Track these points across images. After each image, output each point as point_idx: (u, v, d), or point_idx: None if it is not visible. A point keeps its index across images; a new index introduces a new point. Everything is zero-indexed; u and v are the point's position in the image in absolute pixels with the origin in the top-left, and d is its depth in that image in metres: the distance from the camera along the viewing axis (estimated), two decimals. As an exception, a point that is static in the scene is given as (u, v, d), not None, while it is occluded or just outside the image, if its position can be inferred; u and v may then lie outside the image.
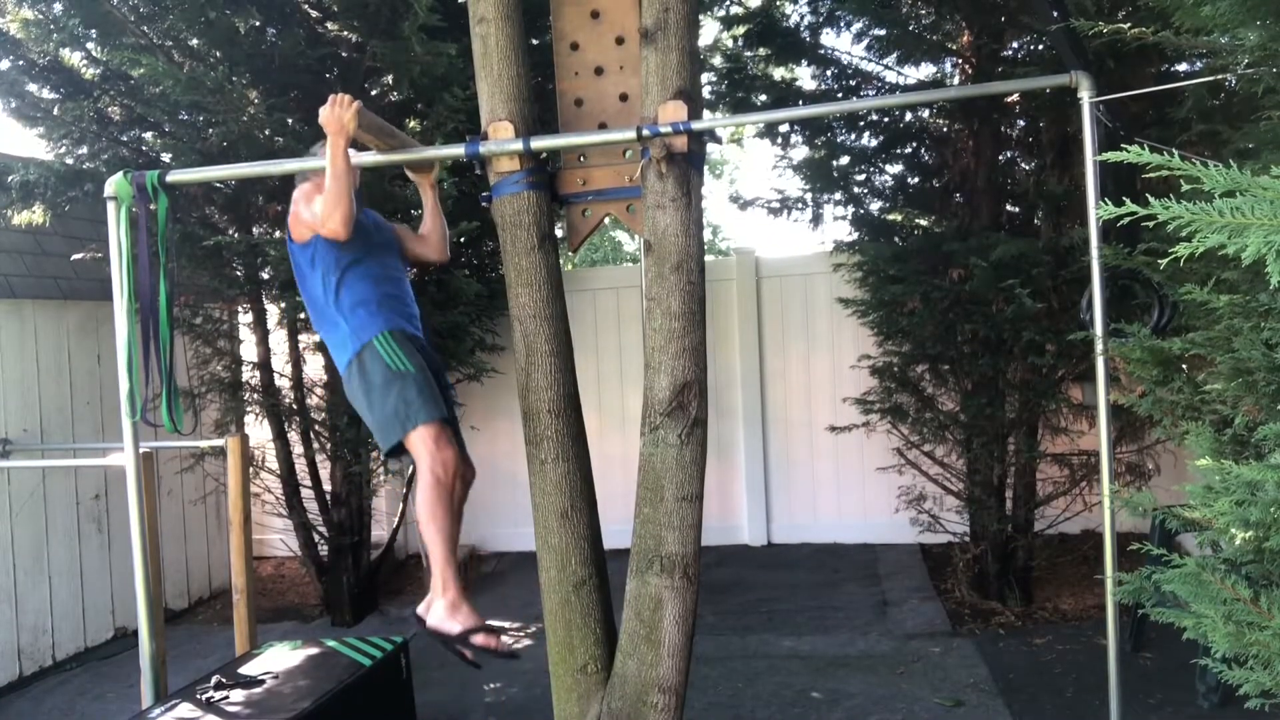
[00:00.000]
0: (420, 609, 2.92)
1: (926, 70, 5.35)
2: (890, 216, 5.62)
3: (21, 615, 4.93)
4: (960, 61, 5.13)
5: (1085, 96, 2.66)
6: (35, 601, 5.01)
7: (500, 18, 2.79)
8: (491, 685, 3.97)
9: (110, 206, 3.18)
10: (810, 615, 5.13)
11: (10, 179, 4.63)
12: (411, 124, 5.25)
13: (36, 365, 5.10)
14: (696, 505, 2.66)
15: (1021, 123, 5.14)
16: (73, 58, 4.99)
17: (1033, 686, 4.07)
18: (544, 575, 2.86)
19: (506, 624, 5.14)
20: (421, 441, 2.85)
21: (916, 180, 5.49)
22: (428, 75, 4.68)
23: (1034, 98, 4.60)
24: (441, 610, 2.85)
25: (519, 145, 2.76)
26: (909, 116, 5.28)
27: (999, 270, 4.49)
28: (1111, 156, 1.38)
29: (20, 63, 4.81)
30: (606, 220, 3.11)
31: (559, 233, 3.58)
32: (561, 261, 3.10)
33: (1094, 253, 2.66)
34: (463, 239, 5.53)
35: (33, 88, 4.91)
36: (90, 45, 4.91)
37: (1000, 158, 5.15)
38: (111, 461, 4.02)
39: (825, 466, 6.48)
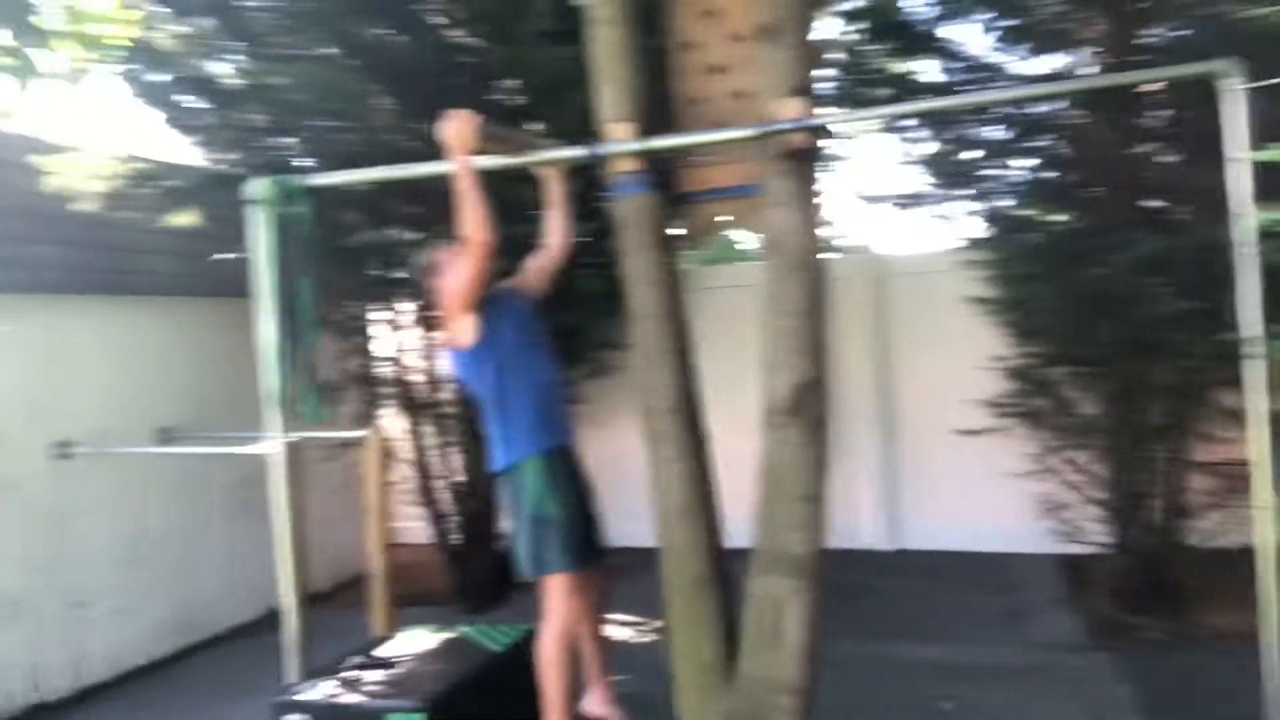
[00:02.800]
0: None
1: (1059, 60, 5.10)
2: (1023, 212, 5.39)
3: (183, 592, 5.30)
4: (1097, 51, 4.87)
5: (1232, 85, 2.48)
6: (195, 579, 5.38)
7: (617, 21, 2.82)
8: (616, 677, 4.02)
9: (258, 210, 3.39)
10: (940, 623, 4.98)
11: (169, 184, 4.97)
12: (534, 126, 5.36)
13: (196, 359, 5.47)
14: (819, 506, 2.63)
15: (1164, 113, 4.84)
16: (221, 69, 5.32)
17: (1179, 708, 3.84)
18: (665, 573, 2.88)
19: (628, 618, 5.19)
20: (552, 592, 3.01)
21: (1051, 175, 5.24)
22: (548, 78, 4.77)
23: (1177, 87, 4.31)
24: None
25: (637, 146, 2.79)
26: (1041, 109, 5.04)
27: (1141, 268, 4.25)
28: (1262, 156, 1.29)
29: (175, 76, 5.16)
30: (725, 219, 3.11)
31: (677, 232, 3.59)
32: (680, 260, 3.13)
33: (1246, 250, 2.48)
34: (584, 239, 5.60)
35: (186, 98, 5.25)
36: (237, 57, 5.22)
37: (1141, 150, 4.86)
38: (260, 450, 4.28)
39: (955, 471, 6.26)
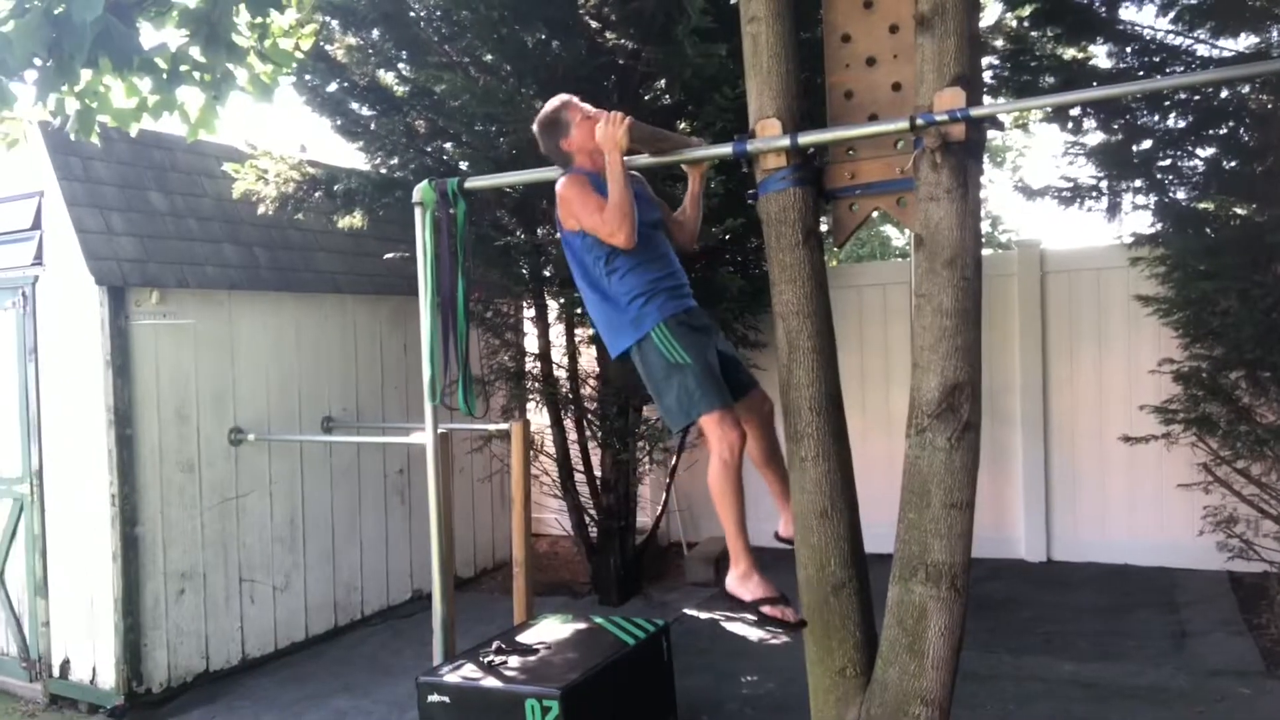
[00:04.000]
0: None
1: (1246, 41, 4.72)
2: (1200, 205, 5.02)
3: (338, 573, 5.61)
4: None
5: None
6: (349, 562, 5.69)
7: (771, 15, 2.79)
8: (749, 678, 4.02)
9: (417, 211, 3.55)
10: (1094, 640, 4.72)
11: (336, 188, 5.27)
12: (682, 125, 5.39)
13: (355, 352, 5.78)
14: (966, 513, 2.53)
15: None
16: (386, 78, 5.61)
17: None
18: (802, 574, 2.85)
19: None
20: (707, 429, 3.00)
21: (1233, 164, 4.86)
22: (698, 77, 4.79)
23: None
24: (734, 580, 2.99)
25: (786, 141, 2.76)
26: (1224, 94, 4.68)
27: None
28: None
29: (344, 84, 5.47)
30: (874, 215, 3.03)
31: (824, 228, 3.53)
32: (826, 257, 3.07)
33: None
34: (727, 236, 5.60)
35: (354, 106, 5.57)
36: (401, 65, 5.49)
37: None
38: (414, 440, 4.48)
39: (1116, 480, 5.92)
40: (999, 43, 5.46)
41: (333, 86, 5.46)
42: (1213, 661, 4.38)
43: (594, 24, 5.27)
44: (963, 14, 2.49)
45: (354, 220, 5.41)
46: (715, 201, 4.71)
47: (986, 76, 5.32)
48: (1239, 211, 4.92)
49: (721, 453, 2.97)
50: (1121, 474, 5.86)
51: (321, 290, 5.53)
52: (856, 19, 2.85)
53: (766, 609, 2.90)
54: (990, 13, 6.02)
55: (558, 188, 3.19)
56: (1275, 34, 4.63)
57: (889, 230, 15.84)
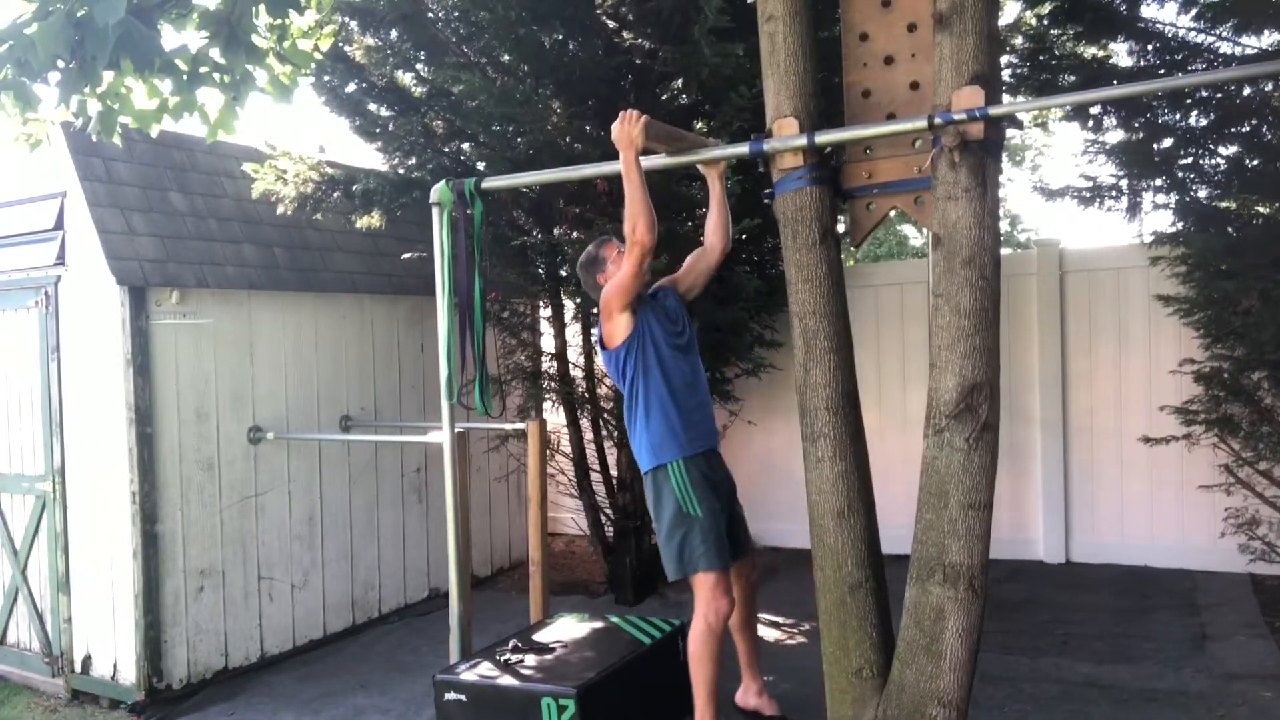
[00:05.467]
0: None
1: (1270, 38, 4.67)
2: (1222, 204, 4.98)
3: (356, 571, 5.64)
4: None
5: None
6: (367, 560, 5.71)
7: (789, 14, 2.79)
8: (766, 678, 4.00)
9: (434, 211, 3.56)
10: (1113, 642, 4.69)
11: (354, 188, 5.30)
12: (699, 125, 5.39)
13: (373, 352, 5.81)
14: (985, 514, 2.52)
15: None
16: (404, 78, 5.63)
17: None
18: (819, 575, 2.84)
19: (780, 619, 5.15)
20: (700, 590, 3.08)
21: (1256, 163, 4.82)
22: (715, 76, 4.79)
23: None
24: None
25: (803, 141, 2.76)
26: (1246, 91, 4.64)
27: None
28: None
29: (363, 85, 5.50)
30: (892, 214, 3.03)
31: (841, 228, 3.53)
32: (843, 257, 3.08)
33: None
34: (744, 235, 5.60)
35: (372, 107, 5.59)
36: (419, 66, 5.52)
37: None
38: (431, 439, 4.50)
39: (1136, 481, 5.87)
40: (1018, 41, 5.43)
41: (351, 87, 5.49)
42: (1233, 665, 4.34)
43: (611, 24, 5.27)
44: (982, 12, 2.48)
45: (372, 220, 5.44)
46: (732, 201, 4.70)
47: (1005, 75, 5.29)
48: (1261, 210, 4.87)
49: (709, 616, 3.07)
50: (1142, 475, 5.82)
51: (340, 290, 5.56)
52: (875, 17, 2.85)
53: None
54: (1009, 11, 5.99)
55: (600, 299, 3.34)
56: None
57: (906, 229, 15.79)
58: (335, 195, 5.36)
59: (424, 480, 6.09)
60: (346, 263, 5.71)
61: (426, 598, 6.10)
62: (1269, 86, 4.59)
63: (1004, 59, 5.26)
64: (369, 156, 5.82)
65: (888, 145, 2.83)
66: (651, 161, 3.20)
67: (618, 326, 3.25)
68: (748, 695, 3.63)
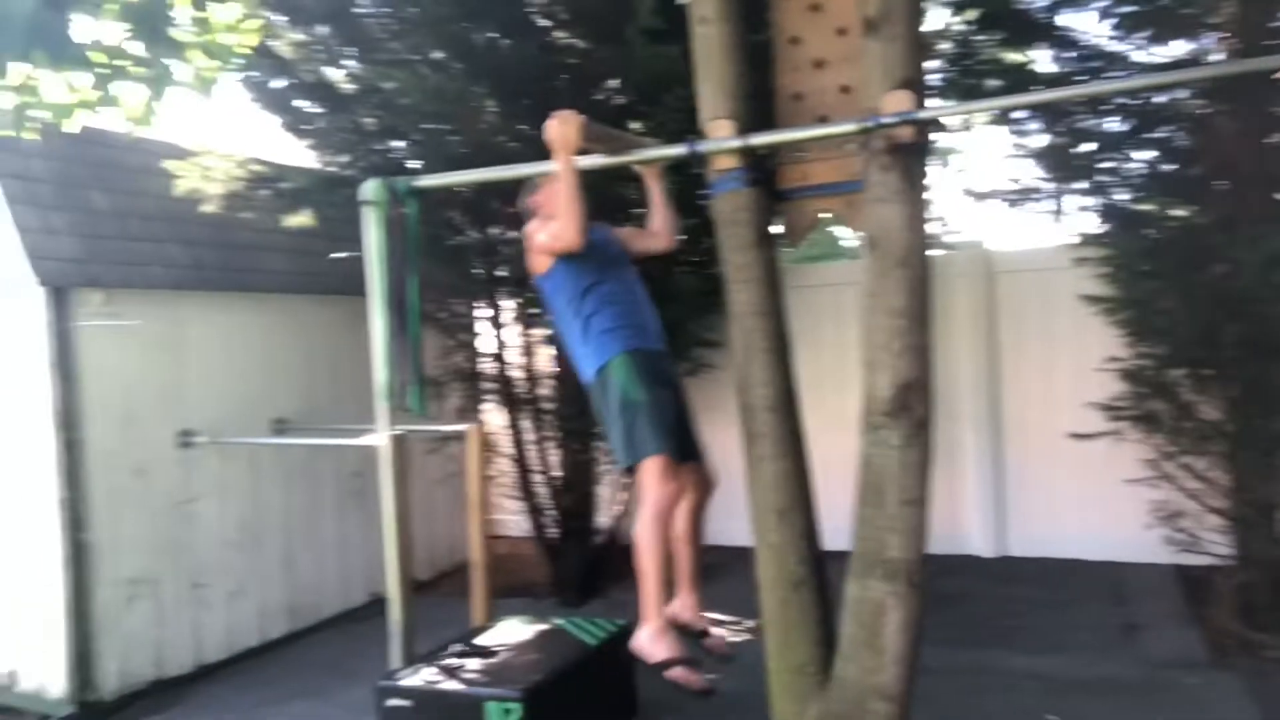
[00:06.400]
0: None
1: (1181, 48, 4.84)
2: (1141, 207, 5.14)
3: (294, 577, 5.54)
4: (1224, 36, 4.60)
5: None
6: (306, 565, 5.61)
7: (720, 18, 2.81)
8: (710, 676, 4.01)
9: (365, 210, 3.51)
10: (1047, 633, 4.81)
11: (283, 186, 5.19)
12: (634, 125, 5.38)
13: (309, 354, 5.70)
14: (921, 510, 2.57)
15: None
16: (334, 74, 5.52)
17: (1309, 732, 3.62)
18: (761, 573, 2.87)
19: (722, 618, 5.17)
20: (646, 475, 2.99)
21: (1171, 168, 4.99)
22: (649, 77, 4.80)
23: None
24: (645, 637, 2.97)
25: (737, 142, 2.78)
26: (1161, 99, 4.80)
27: (1272, 266, 4.01)
28: None
29: (292, 81, 5.37)
30: (826, 216, 3.07)
31: (777, 229, 3.56)
32: (779, 257, 3.10)
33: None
34: (685, 235, 5.61)
35: (300, 103, 5.47)
36: (349, 62, 5.41)
37: (1272, 141, 4.58)
38: (368, 442, 4.44)
39: (1066, 476, 6.03)
40: (944, 46, 5.54)
41: (278, 83, 5.37)
42: (1161, 653, 4.49)
43: (545, 23, 5.24)
44: (909, 18, 2.53)
45: (302, 219, 5.33)
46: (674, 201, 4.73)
47: (933, 80, 5.39)
48: (1178, 213, 5.03)
49: (655, 502, 2.96)
50: (1072, 470, 5.97)
51: (272, 290, 5.45)
52: (805, 22, 2.88)
53: (675, 672, 2.88)
54: (936, 17, 6.11)
55: (527, 227, 3.26)
56: (1208, 41, 4.75)
57: (841, 231, 15.99)
58: (264, 193, 5.24)
59: (363, 484, 6.00)
60: (278, 262, 5.60)
61: (368, 603, 6.01)
62: (1181, 95, 4.75)
63: (930, 64, 5.36)
64: (304, 154, 5.71)
65: (820, 148, 2.87)
66: (588, 162, 3.19)
67: (541, 261, 3.21)
68: (683, 610, 3.51)
